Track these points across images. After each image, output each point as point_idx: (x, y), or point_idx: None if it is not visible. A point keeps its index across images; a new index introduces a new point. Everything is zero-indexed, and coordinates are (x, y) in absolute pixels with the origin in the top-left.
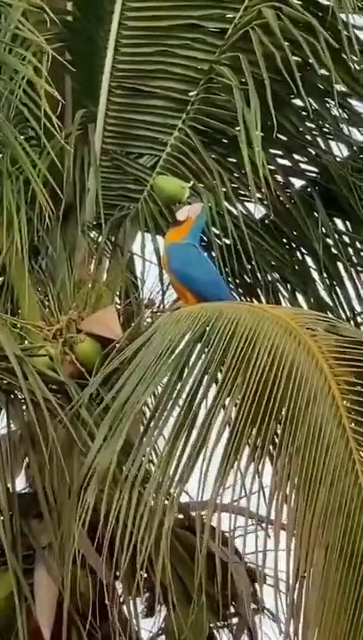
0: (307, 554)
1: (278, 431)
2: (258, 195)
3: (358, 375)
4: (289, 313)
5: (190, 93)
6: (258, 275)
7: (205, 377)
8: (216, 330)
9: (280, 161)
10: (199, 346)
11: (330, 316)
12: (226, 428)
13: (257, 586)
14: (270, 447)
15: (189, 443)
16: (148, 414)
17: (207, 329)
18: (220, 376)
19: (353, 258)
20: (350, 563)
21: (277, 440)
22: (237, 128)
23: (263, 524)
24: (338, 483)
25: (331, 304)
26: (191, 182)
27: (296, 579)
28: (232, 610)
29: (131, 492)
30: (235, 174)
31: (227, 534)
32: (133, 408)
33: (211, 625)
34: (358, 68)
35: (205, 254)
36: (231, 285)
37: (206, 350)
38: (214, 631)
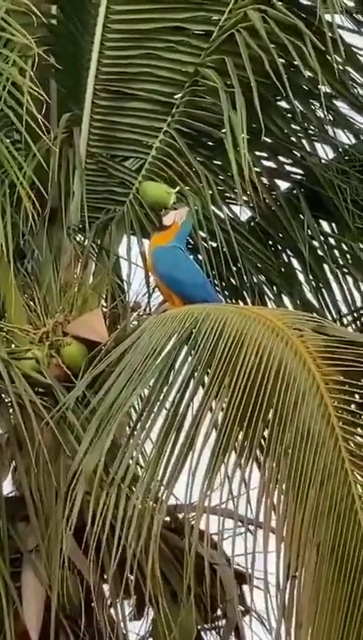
0: (298, 554)
1: (266, 432)
2: (244, 197)
3: (346, 374)
4: (276, 314)
5: (176, 96)
6: (244, 277)
7: (192, 379)
8: (203, 331)
9: (266, 163)
10: (186, 348)
11: (317, 316)
12: (213, 430)
13: (245, 588)
14: (258, 449)
15: (177, 445)
16: (135, 417)
17: (194, 331)
18: (207, 378)
19: (339, 260)
20: (341, 562)
21: (265, 441)
22: (223, 130)
23: (252, 526)
24: (328, 482)
25: (317, 306)
26: (177, 188)
27: (287, 579)
28: (220, 612)
29: (118, 494)
30: (221, 177)
31: (215, 536)
32: (120, 410)
33: (199, 627)
34: (342, 68)
35: (191, 257)
36: (218, 288)
37: (193, 352)
38: (202, 633)
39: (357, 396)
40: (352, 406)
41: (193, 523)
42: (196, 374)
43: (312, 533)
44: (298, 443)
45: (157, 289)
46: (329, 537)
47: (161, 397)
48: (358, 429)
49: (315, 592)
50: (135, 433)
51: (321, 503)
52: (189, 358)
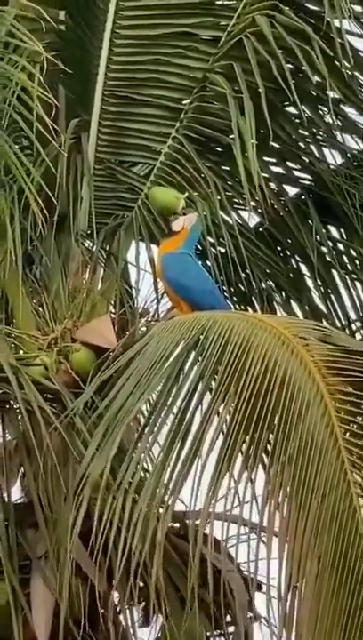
0: (299, 563)
1: (271, 440)
2: (252, 203)
3: (351, 384)
4: (283, 322)
5: (184, 102)
6: (253, 283)
7: (199, 385)
8: (210, 338)
9: (274, 169)
10: (193, 354)
11: (324, 324)
12: (219, 437)
13: (251, 594)
14: (263, 456)
15: (184, 450)
16: (142, 422)
17: (201, 337)
18: (214, 384)
19: (348, 265)
20: (342, 572)
21: (269, 448)
22: (232, 136)
23: (257, 533)
24: (330, 492)
25: (326, 312)
26: (186, 194)
27: (289, 588)
28: (228, 618)
29: (125, 499)
30: (229, 182)
31: (221, 542)
32: (127, 416)
33: (208, 633)
34: (350, 73)
35: (200, 263)
36: (226, 294)
37: (200, 359)
38: (211, 639)
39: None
40: (357, 417)
41: (204, 530)
42: (203, 381)
43: (314, 544)
44: (301, 452)
45: (165, 295)
46: (330, 548)
47: (168, 403)
48: (362, 441)
49: (315, 603)
50: (142, 438)
51: (323, 514)
52: (197, 365)
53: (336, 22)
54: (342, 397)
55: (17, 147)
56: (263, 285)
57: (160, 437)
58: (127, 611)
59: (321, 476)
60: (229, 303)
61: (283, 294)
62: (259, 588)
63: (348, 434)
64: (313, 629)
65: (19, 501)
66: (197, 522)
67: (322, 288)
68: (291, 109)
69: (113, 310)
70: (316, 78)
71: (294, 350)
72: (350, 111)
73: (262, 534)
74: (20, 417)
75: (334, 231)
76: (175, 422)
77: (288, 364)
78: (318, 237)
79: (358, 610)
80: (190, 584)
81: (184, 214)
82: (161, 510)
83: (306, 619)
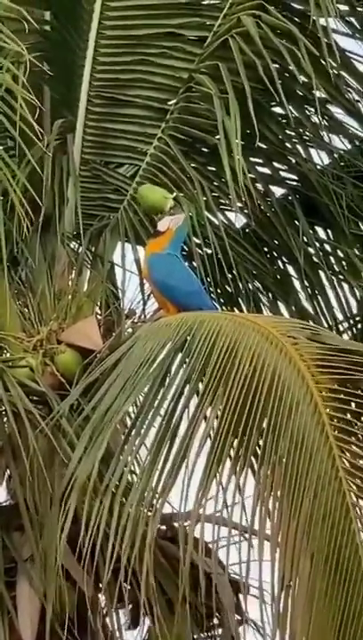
0: (292, 563)
1: (261, 441)
2: (239, 204)
3: (340, 382)
4: (270, 321)
5: (170, 102)
6: (239, 284)
7: (187, 387)
8: (197, 339)
9: (260, 169)
10: (180, 355)
11: (312, 323)
12: (208, 438)
13: (241, 596)
14: (252, 457)
15: (172, 453)
16: (129, 424)
17: (188, 338)
18: (201, 386)
19: (335, 266)
20: (335, 571)
21: (259, 449)
22: (217, 137)
23: (247, 535)
24: (322, 491)
25: (313, 313)
26: (174, 194)
27: (282, 588)
28: (216, 621)
29: (112, 502)
30: (215, 183)
31: (210, 545)
32: (114, 418)
33: (195, 636)
34: (336, 72)
35: (186, 264)
36: (213, 295)
37: (187, 360)
38: None
39: (353, 404)
40: (347, 415)
41: (189, 531)
42: (190, 382)
43: (306, 542)
44: (292, 451)
45: (152, 296)
46: (323, 546)
47: (155, 405)
48: (353, 438)
49: (309, 601)
50: (129, 440)
51: (315, 512)
52: (184, 366)
53: (322, 21)
54: (332, 395)
55: (1, 148)
56: (250, 286)
57: (148, 440)
58: (114, 613)
59: (313, 474)
60: (216, 304)
61: (270, 295)
62: (239, 589)
63: (338, 432)
64: (307, 629)
65: (4, 504)
66: (186, 524)
67: (309, 289)
68: (277, 110)
69: (99, 312)
70: (302, 78)
71: (282, 349)
72: (337, 111)
73: (253, 536)
74: (5, 419)
75: (321, 232)
76: (163, 424)
77: (277, 364)
78: (304, 238)
79: (351, 608)
80: (182, 586)
81: (171, 214)
82: (149, 513)
83: (299, 618)
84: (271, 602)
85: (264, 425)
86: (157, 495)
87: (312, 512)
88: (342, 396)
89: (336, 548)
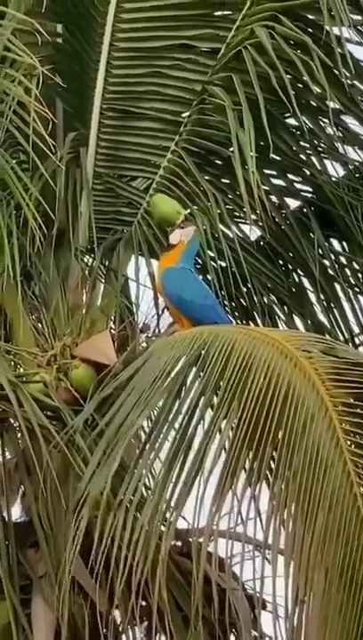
0: (306, 578)
1: (275, 454)
2: (253, 216)
3: (355, 396)
4: (285, 335)
5: (183, 114)
6: (254, 297)
7: (201, 400)
8: (211, 353)
9: (275, 181)
10: (195, 369)
11: (327, 337)
12: (222, 452)
13: (256, 612)
14: (267, 471)
15: (186, 467)
16: (143, 439)
17: (203, 352)
18: (216, 399)
19: (350, 279)
20: (350, 586)
21: (274, 463)
22: (231, 149)
23: (262, 550)
24: (336, 506)
25: (328, 326)
26: (188, 210)
27: (296, 604)
28: (232, 637)
29: (126, 517)
30: (229, 196)
31: (225, 560)
32: (128, 432)
33: None
34: (350, 83)
35: (200, 277)
36: (227, 309)
37: (202, 374)
38: None
39: None
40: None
41: (203, 546)
42: (205, 396)
43: (321, 557)
44: (307, 466)
45: (166, 310)
46: (337, 561)
47: (170, 419)
48: None
49: (323, 617)
50: (144, 455)
51: (330, 527)
52: (198, 380)
53: (336, 31)
54: (346, 410)
55: (14, 162)
56: (265, 300)
57: (161, 454)
58: (129, 630)
59: (327, 489)
60: (231, 318)
61: (285, 308)
62: (264, 606)
63: (353, 446)
64: None
65: (19, 520)
66: (201, 540)
67: (324, 302)
68: (291, 121)
69: (113, 326)
70: (316, 89)
71: (297, 363)
72: (352, 122)
73: (267, 551)
74: (19, 435)
75: (336, 244)
76: (177, 438)
77: (292, 378)
78: (320, 250)
79: None
80: (194, 602)
81: (182, 227)
82: (163, 528)
83: (314, 633)
84: (285, 617)
85: (279, 438)
86: (171, 509)
87: (327, 527)
88: (357, 410)
89: (351, 563)
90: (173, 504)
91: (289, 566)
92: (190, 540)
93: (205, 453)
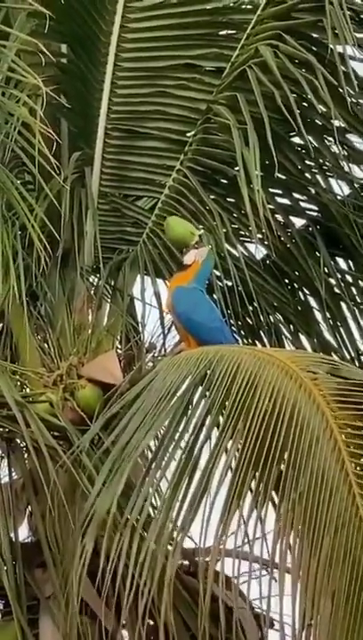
0: (313, 601)
1: (281, 475)
2: (259, 235)
3: (360, 418)
4: (290, 356)
5: (188, 134)
6: (260, 316)
7: (207, 420)
8: (217, 373)
9: (280, 200)
10: (200, 389)
11: (333, 357)
12: (228, 473)
13: (264, 631)
14: (273, 492)
15: (191, 487)
16: (149, 458)
17: (208, 372)
18: (221, 419)
19: (357, 297)
20: (356, 610)
21: (279, 485)
22: (236, 168)
23: (269, 570)
24: (342, 529)
25: (335, 345)
26: (202, 231)
27: (303, 627)
28: None
29: (132, 536)
30: (235, 215)
31: (233, 580)
32: (134, 452)
33: None
34: (355, 101)
35: (211, 300)
36: (234, 327)
37: (207, 393)
38: None
39: None
40: None
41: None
42: (210, 416)
43: (327, 581)
44: (312, 488)
45: (173, 328)
46: (344, 585)
47: (176, 438)
48: None
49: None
50: (150, 474)
51: (336, 550)
52: (204, 400)
53: (340, 49)
54: (352, 432)
55: (19, 182)
56: (271, 319)
57: (168, 473)
58: None
59: (333, 511)
60: (238, 339)
61: (291, 327)
62: (271, 625)
63: (359, 468)
64: None
65: (26, 541)
66: (207, 559)
67: (331, 321)
68: (296, 140)
69: (119, 346)
70: (321, 107)
71: (302, 384)
72: (357, 140)
73: (274, 571)
74: (26, 455)
75: (342, 263)
76: (183, 458)
77: (297, 399)
78: (325, 269)
79: None
80: (201, 623)
81: (196, 247)
82: (170, 547)
83: None
84: (292, 636)
85: (284, 460)
86: (177, 529)
87: (332, 550)
88: (362, 431)
89: (358, 585)
90: (179, 523)
91: (296, 587)
92: (197, 559)
93: (211, 473)
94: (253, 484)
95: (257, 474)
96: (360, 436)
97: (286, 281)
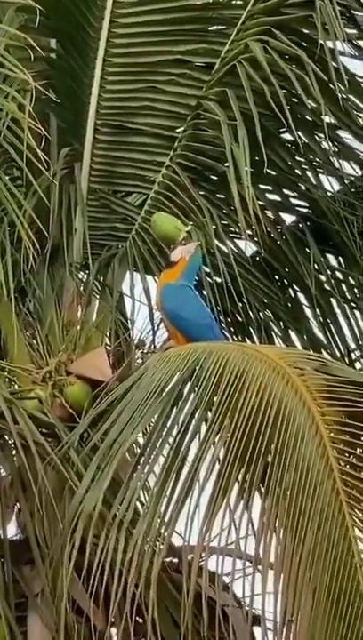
0: (294, 597)
1: (266, 471)
2: (248, 231)
3: (346, 415)
4: (278, 352)
5: (178, 130)
6: (250, 313)
7: (195, 416)
8: (205, 369)
9: (270, 196)
10: (189, 385)
11: (322, 354)
12: (214, 468)
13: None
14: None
15: (179, 483)
16: (137, 454)
17: (196, 368)
18: (209, 415)
19: (347, 294)
20: (336, 606)
21: (265, 480)
22: (226, 164)
23: (256, 566)
24: (325, 525)
25: (325, 341)
26: (189, 227)
27: (284, 622)
28: None
29: (119, 533)
30: (224, 211)
31: (221, 576)
32: (121, 448)
33: None
34: (345, 97)
35: (199, 296)
36: (223, 324)
37: (196, 389)
38: None
39: (361, 437)
40: (353, 447)
41: (200, 563)
42: (198, 412)
43: (309, 576)
44: (297, 483)
45: (162, 325)
46: (325, 580)
47: (164, 434)
48: (358, 471)
49: (310, 637)
50: (138, 470)
51: (318, 546)
52: (192, 395)
53: (330, 45)
54: (337, 428)
55: (7, 178)
56: (261, 315)
57: (156, 468)
58: None
59: (316, 507)
60: (227, 336)
61: (281, 324)
62: (257, 621)
63: (343, 465)
64: None
65: (14, 538)
66: (192, 555)
67: (321, 317)
68: (286, 136)
69: (108, 342)
70: (311, 103)
71: (289, 381)
72: (347, 136)
73: (258, 567)
74: (14, 452)
75: (332, 259)
76: (171, 453)
77: (284, 395)
78: (316, 266)
79: None
80: (185, 619)
81: (183, 244)
82: (158, 543)
83: None
84: (273, 635)
85: (270, 455)
86: (164, 525)
87: (315, 546)
88: (347, 428)
89: (338, 582)
90: (166, 520)
91: (279, 583)
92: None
93: (198, 469)
94: (239, 480)
95: (243, 469)
96: (346, 433)
97: (276, 277)
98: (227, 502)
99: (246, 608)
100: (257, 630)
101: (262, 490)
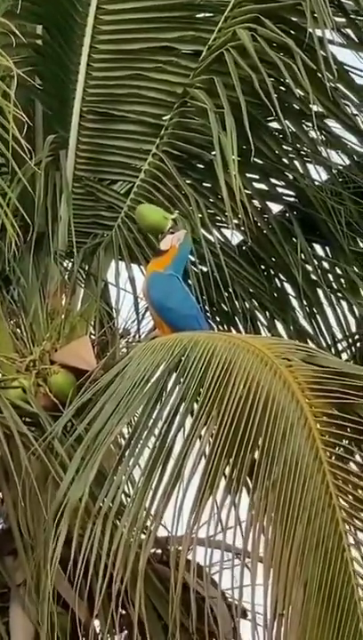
0: (285, 590)
1: (255, 464)
2: (235, 220)
3: (335, 406)
4: (265, 343)
5: (164, 117)
6: (236, 302)
7: (181, 407)
8: (191, 359)
9: (257, 185)
10: (175, 375)
11: (309, 345)
12: (201, 460)
13: (236, 621)
14: (247, 479)
15: (165, 474)
16: (122, 445)
17: (183, 358)
18: (195, 406)
19: (333, 284)
20: (327, 600)
21: (253, 473)
22: (213, 152)
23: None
24: (315, 518)
25: (311, 331)
26: (175, 215)
27: (274, 616)
28: None
29: (104, 525)
30: (211, 200)
31: (207, 568)
32: (107, 439)
33: None
34: (334, 86)
35: (186, 286)
36: (209, 314)
37: (182, 380)
38: None
39: (348, 429)
40: (342, 439)
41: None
42: (184, 403)
43: (300, 570)
44: (286, 475)
45: (148, 314)
46: (316, 574)
47: (149, 425)
48: (345, 463)
49: (302, 630)
50: (123, 461)
51: (308, 539)
52: (178, 386)
53: (319, 33)
54: (326, 420)
55: None
56: (247, 305)
57: (141, 460)
58: (109, 639)
59: (306, 500)
60: (213, 325)
61: (267, 314)
62: (244, 615)
63: (333, 457)
64: None
65: None
66: (179, 548)
67: (307, 307)
68: (274, 124)
69: (93, 331)
70: (299, 92)
71: (277, 372)
72: (335, 126)
73: (247, 560)
74: None
75: (319, 249)
76: (156, 445)
77: (271, 386)
78: (302, 255)
79: (343, 638)
80: (172, 612)
81: (172, 232)
82: (143, 536)
83: None
84: (264, 629)
85: (258, 447)
86: (150, 517)
87: (306, 539)
88: (336, 420)
89: (329, 576)
90: (152, 512)
91: (268, 577)
92: (173, 548)
93: (184, 461)
94: (226, 472)
95: (231, 461)
96: (334, 425)
97: (263, 267)
98: (214, 495)
99: (231, 600)
100: (246, 625)
101: (250, 483)
